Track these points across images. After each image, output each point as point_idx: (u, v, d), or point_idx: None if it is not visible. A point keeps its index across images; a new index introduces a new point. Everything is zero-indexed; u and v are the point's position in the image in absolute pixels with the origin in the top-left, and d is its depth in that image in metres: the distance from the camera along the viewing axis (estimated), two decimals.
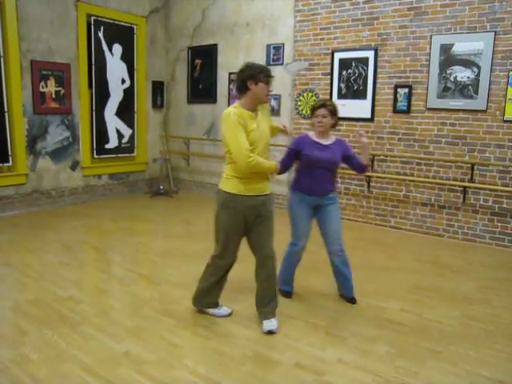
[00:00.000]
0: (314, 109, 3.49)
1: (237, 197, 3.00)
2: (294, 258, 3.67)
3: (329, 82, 6.33)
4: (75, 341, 2.93)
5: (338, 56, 6.21)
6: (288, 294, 3.72)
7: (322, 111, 3.42)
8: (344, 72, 6.18)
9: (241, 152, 2.86)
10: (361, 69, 6.03)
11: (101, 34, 7.11)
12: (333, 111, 3.44)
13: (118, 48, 7.42)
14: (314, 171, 3.46)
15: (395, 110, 5.80)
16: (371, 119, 6.02)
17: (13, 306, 3.43)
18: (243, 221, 3.06)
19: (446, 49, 5.34)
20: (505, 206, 5.20)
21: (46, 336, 2.99)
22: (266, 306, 3.20)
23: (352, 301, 3.63)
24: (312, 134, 3.52)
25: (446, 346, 2.99)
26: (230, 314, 3.37)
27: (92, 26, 6.96)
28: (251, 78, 2.92)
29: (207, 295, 3.34)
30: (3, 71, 6.01)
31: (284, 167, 3.47)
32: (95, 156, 7.35)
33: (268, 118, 3.19)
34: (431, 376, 2.65)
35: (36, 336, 2.99)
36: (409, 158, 5.80)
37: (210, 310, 3.37)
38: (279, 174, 3.40)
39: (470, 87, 5.24)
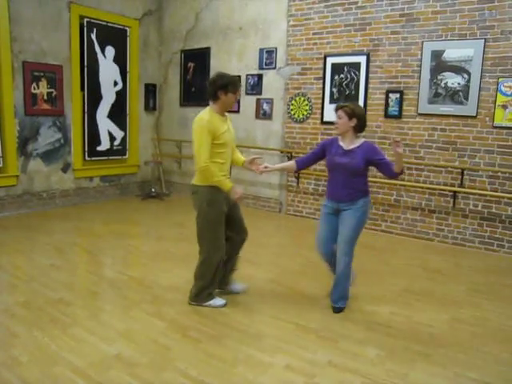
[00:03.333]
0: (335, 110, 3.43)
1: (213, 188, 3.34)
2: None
3: (321, 86, 6.38)
4: (66, 343, 2.92)
5: (330, 61, 6.25)
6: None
7: (338, 113, 3.36)
8: (336, 77, 6.23)
9: (200, 155, 3.22)
10: (353, 74, 6.08)
11: (93, 36, 7.10)
12: (350, 113, 3.31)
13: (110, 50, 7.41)
14: (334, 176, 3.43)
15: (386, 115, 5.85)
16: None
17: (3, 308, 3.41)
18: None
19: (437, 55, 5.41)
20: (494, 210, 5.26)
21: (37, 338, 2.97)
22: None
23: (333, 309, 3.51)
24: (340, 138, 3.46)
25: (435, 348, 3.02)
26: (225, 305, 3.51)
27: (85, 28, 6.95)
28: (221, 88, 3.26)
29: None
30: None
31: (302, 162, 3.60)
32: (87, 158, 7.32)
33: (231, 126, 3.54)
34: (421, 378, 2.67)
35: (26, 338, 2.97)
36: None
37: (204, 303, 3.49)
38: (299, 169, 3.66)
39: (461, 93, 5.30)
